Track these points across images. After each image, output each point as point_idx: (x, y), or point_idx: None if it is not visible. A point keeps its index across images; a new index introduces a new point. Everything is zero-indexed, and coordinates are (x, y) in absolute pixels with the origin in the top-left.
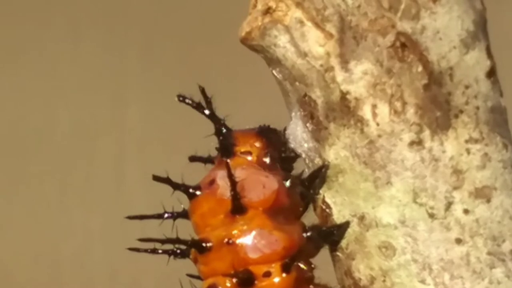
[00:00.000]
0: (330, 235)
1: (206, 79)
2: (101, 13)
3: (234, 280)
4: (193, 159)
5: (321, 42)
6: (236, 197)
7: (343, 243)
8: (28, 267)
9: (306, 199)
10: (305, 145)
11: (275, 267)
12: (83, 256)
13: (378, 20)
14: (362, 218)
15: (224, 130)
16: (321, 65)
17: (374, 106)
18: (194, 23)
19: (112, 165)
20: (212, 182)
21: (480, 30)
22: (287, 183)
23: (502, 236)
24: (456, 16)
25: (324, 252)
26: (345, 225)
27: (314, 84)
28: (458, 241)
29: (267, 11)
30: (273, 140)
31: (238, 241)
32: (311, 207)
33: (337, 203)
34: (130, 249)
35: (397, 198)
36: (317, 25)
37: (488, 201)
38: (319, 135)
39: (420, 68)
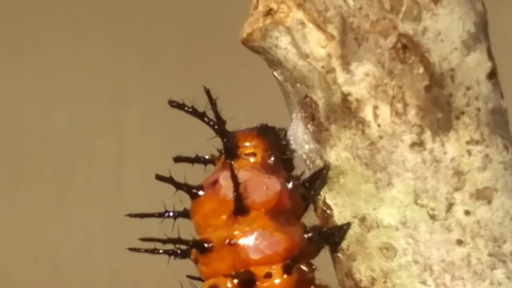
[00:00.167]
0: (331, 236)
1: (206, 80)
2: (101, 13)
3: (235, 281)
4: (178, 159)
5: (322, 43)
6: (238, 197)
7: (344, 244)
8: (28, 267)
9: (306, 200)
10: (306, 146)
11: (276, 269)
12: (83, 256)
13: (380, 21)
14: (363, 219)
15: (228, 132)
16: (323, 67)
17: (375, 108)
18: (194, 23)
19: (112, 165)
20: (215, 182)
21: (481, 32)
22: (289, 185)
23: (503, 237)
24: (458, 18)
25: (325, 253)
26: (346, 226)
27: (316, 85)
28: (459, 242)
29: (269, 12)
30: (273, 138)
31: (240, 241)
32: (311, 207)
33: (338, 204)
34: (130, 249)
35: (398, 199)
36: (319, 27)
37: (489, 202)
38: (320, 136)
39: (421, 70)
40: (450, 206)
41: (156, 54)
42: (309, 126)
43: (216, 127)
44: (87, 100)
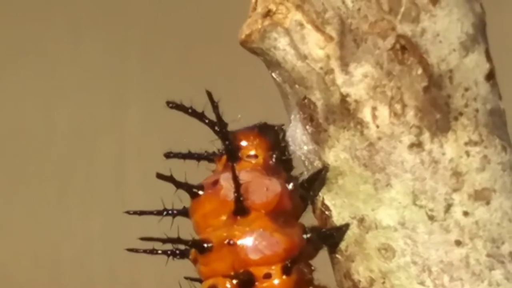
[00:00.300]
0: (330, 237)
1: (206, 80)
2: (101, 14)
3: (234, 281)
4: (168, 155)
5: (321, 44)
6: (239, 198)
7: (343, 245)
8: (28, 267)
9: (305, 201)
10: (305, 147)
11: (275, 269)
12: (83, 256)
13: (378, 22)
14: (361, 220)
15: (229, 135)
16: (321, 68)
17: (374, 109)
18: (194, 24)
19: (112, 165)
20: (216, 182)
21: (480, 33)
22: (290, 186)
23: (501, 238)
24: (456, 19)
25: (324, 254)
26: (345, 227)
27: (314, 86)
28: (458, 243)
29: (267, 13)
30: (273, 138)
31: (239, 242)
32: (310, 208)
33: (336, 205)
34: (129, 249)
35: (396, 200)
36: (317, 28)
37: (488, 203)
38: (318, 137)
39: (420, 71)
40: (448, 207)
41: (156, 54)
42: (307, 127)
43: (215, 128)
44: (87, 100)
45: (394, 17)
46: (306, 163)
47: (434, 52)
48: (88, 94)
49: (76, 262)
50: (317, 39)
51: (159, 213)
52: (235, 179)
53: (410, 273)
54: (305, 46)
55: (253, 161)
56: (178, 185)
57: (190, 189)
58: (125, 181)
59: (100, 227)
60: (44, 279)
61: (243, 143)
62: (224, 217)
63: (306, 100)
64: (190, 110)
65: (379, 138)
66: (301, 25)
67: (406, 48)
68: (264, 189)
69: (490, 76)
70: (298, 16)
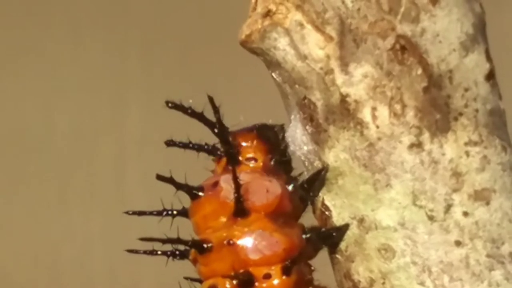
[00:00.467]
0: (329, 237)
1: (205, 81)
2: (101, 14)
3: (234, 281)
4: (169, 143)
5: (321, 44)
6: (239, 199)
7: (343, 245)
8: (27, 268)
9: (305, 202)
10: (305, 147)
11: (275, 270)
12: (83, 257)
13: (378, 23)
14: (361, 220)
15: (230, 140)
16: (321, 68)
17: (373, 109)
18: (194, 24)
19: (112, 166)
20: (216, 184)
21: (479, 33)
22: (290, 187)
23: (501, 238)
24: (456, 19)
25: (323, 254)
26: (345, 227)
27: (314, 86)
28: (458, 243)
29: (267, 13)
30: (272, 139)
31: (239, 242)
32: (310, 208)
33: (336, 205)
34: (129, 250)
35: (396, 200)
36: (317, 28)
37: (487, 203)
38: (318, 137)
39: (419, 71)
40: (448, 207)
41: (156, 55)
42: (307, 127)
43: (215, 129)
44: (87, 100)
45: (394, 17)
46: (306, 163)
47: (434, 52)
48: (88, 95)
49: (76, 263)
50: (317, 39)
51: (158, 213)
52: (235, 180)
53: (410, 273)
54: (305, 46)
55: (252, 164)
56: (178, 186)
57: (190, 191)
58: (125, 181)
59: (100, 227)
60: (44, 279)
61: (242, 144)
62: (224, 219)
63: (306, 100)
64: (189, 111)
65: (379, 139)
66: (301, 25)
67: (406, 48)
68: (264, 191)
69: (490, 76)
70: (298, 16)
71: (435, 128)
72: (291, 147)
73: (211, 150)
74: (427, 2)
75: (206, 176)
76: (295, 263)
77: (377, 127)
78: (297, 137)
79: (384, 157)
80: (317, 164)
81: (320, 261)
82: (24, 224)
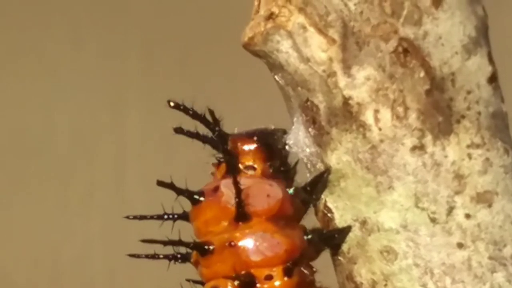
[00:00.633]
0: (331, 238)
1: (205, 82)
2: (101, 16)
3: (236, 282)
4: (178, 131)
5: (323, 47)
6: (240, 204)
7: (345, 247)
8: (28, 269)
9: (307, 205)
10: (307, 150)
11: (276, 271)
12: (83, 259)
13: (381, 25)
14: (364, 222)
15: (230, 149)
16: (324, 71)
17: (376, 111)
18: (194, 25)
19: (112, 167)
20: (216, 189)
21: (482, 36)
22: (291, 191)
23: (503, 240)
24: (458, 22)
25: (326, 256)
26: (347, 229)
27: (317, 89)
28: (460, 245)
29: (270, 16)
30: (272, 147)
31: (240, 243)
32: (312, 210)
33: (339, 207)
34: (131, 255)
35: (399, 202)
36: (320, 31)
37: (490, 206)
38: (321, 140)
39: (422, 74)
40: (450, 210)
41: (156, 55)
42: (310, 129)
43: (216, 130)
44: (87, 101)
45: (396, 20)
46: (309, 165)
47: (437, 55)
48: (88, 95)
49: (76, 264)
50: (319, 42)
51: (159, 217)
52: (236, 184)
53: (412, 275)
54: (307, 49)
55: (251, 172)
56: (179, 192)
57: (191, 196)
58: (125, 182)
59: (100, 228)
60: (44, 280)
61: (242, 149)
62: (225, 223)
63: (308, 103)
64: (191, 111)
65: (382, 141)
66: (303, 28)
67: (408, 51)
68: (265, 195)
69: (493, 79)
70: (300, 19)
71: (437, 131)
72: (294, 149)
73: (216, 144)
74: (429, 5)
75: (206, 176)
76: (297, 265)
77: (380, 129)
78: (300, 140)
79: (386, 160)
80: (320, 167)
81: (322, 263)
82: (24, 225)
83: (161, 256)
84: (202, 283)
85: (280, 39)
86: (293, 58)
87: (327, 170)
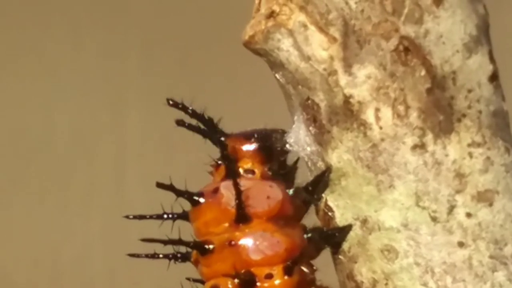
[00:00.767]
0: (332, 237)
1: (205, 83)
2: (101, 16)
3: (236, 281)
4: (179, 123)
5: (324, 46)
6: (240, 205)
7: (345, 246)
8: (28, 270)
9: (308, 205)
10: (308, 148)
11: (277, 270)
12: (83, 259)
13: (382, 24)
14: (364, 221)
15: (230, 154)
16: (325, 69)
17: (377, 110)
18: (194, 25)
19: (112, 167)
20: (216, 190)
21: (483, 35)
22: (291, 191)
23: (504, 239)
24: (459, 21)
25: (326, 254)
26: (347, 227)
27: (317, 87)
28: (461, 244)
29: (271, 15)
30: (271, 150)
31: (240, 242)
32: (312, 209)
33: (339, 206)
34: (131, 255)
35: (399, 201)
36: (321, 29)
37: (491, 204)
38: (322, 138)
39: (423, 72)
40: (451, 208)
41: (156, 55)
42: (311, 128)
43: (214, 138)
44: (87, 101)
45: (397, 18)
46: (309, 164)
47: (438, 54)
48: (88, 95)
49: (76, 264)
50: (320, 40)
51: (159, 217)
52: (236, 185)
53: (413, 274)
54: (308, 47)
55: (250, 176)
56: (179, 193)
57: (191, 197)
58: (125, 184)
59: (100, 227)
60: (44, 281)
61: (240, 152)
62: (226, 225)
63: (309, 101)
64: (190, 110)
65: (382, 140)
66: (304, 26)
67: (409, 50)
68: (265, 197)
69: (494, 78)
70: (301, 17)
71: (438, 129)
72: (294, 148)
73: (218, 132)
74: (430, 4)
75: (206, 175)
76: (297, 263)
77: (381, 128)
78: (300, 138)
79: (387, 158)
80: (320, 165)
81: (323, 262)
82: (24, 225)
83: (161, 256)
84: (203, 282)
85: (281, 38)
86: (294, 56)
87: (328, 170)
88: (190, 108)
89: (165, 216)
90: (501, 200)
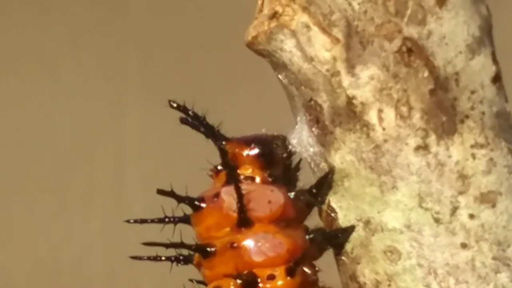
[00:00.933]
0: (335, 238)
1: (205, 83)
2: (101, 16)
3: (238, 281)
4: (183, 121)
5: (327, 46)
6: (242, 210)
7: (348, 247)
8: (27, 270)
9: (311, 207)
10: (311, 149)
11: (279, 271)
12: (82, 260)
13: (385, 25)
14: (367, 222)
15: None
16: (327, 70)
17: (380, 111)
18: (194, 26)
19: (112, 167)
20: (217, 195)
21: (486, 36)
22: (292, 194)
23: (507, 241)
24: (462, 22)
25: (329, 255)
26: (350, 228)
27: (320, 88)
28: (464, 245)
29: (274, 15)
30: (272, 155)
31: (242, 244)
32: (315, 210)
33: (342, 207)
34: (133, 257)
35: (402, 202)
36: (324, 30)
37: (493, 206)
38: (324, 139)
39: (426, 73)
40: (454, 210)
41: (156, 56)
42: (313, 129)
43: (214, 132)
44: (87, 101)
45: (400, 19)
46: (312, 165)
47: (440, 55)
48: (88, 95)
49: (76, 264)
50: (323, 41)
51: (160, 220)
52: (238, 189)
53: (415, 275)
54: (311, 48)
55: (251, 182)
56: (179, 199)
57: (192, 203)
58: (125, 186)
59: (100, 228)
60: (44, 282)
61: (241, 158)
62: (227, 229)
63: (312, 102)
64: (191, 113)
65: (385, 141)
66: (307, 27)
67: (412, 51)
68: (267, 201)
69: (496, 79)
70: (304, 18)
71: (441, 131)
72: (297, 149)
73: (218, 137)
74: (433, 5)
75: (206, 176)
76: (299, 264)
77: (384, 129)
78: (303, 139)
79: (390, 159)
80: (323, 166)
81: (326, 263)
82: (24, 226)
83: (163, 258)
84: (205, 284)
85: (284, 38)
86: (296, 57)
87: (331, 172)
88: (191, 110)
89: (167, 219)
90: (504, 201)
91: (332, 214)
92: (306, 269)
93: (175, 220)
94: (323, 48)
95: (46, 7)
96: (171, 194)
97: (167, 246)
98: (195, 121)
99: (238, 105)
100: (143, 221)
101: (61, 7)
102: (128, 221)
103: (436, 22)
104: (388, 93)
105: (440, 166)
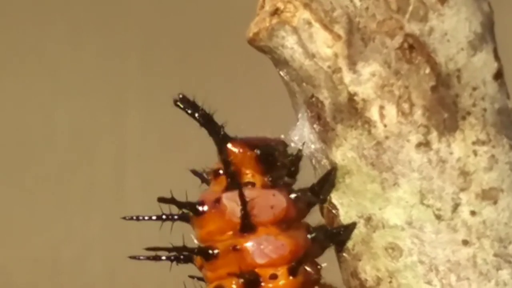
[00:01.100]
0: (336, 235)
1: (205, 83)
2: (101, 16)
3: (240, 281)
4: (180, 100)
5: (329, 43)
6: (246, 216)
7: (350, 244)
8: (27, 270)
9: (313, 206)
10: (312, 146)
11: (281, 271)
12: (82, 260)
13: (386, 21)
14: (369, 219)
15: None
16: (329, 66)
17: (381, 108)
18: (194, 25)
19: (112, 167)
20: (218, 201)
21: (488, 32)
22: (293, 196)
23: (508, 238)
24: (464, 18)
25: (330, 252)
26: (352, 225)
27: (322, 85)
28: (465, 242)
29: (275, 12)
30: (273, 160)
31: (245, 247)
32: (316, 207)
33: (344, 204)
34: (132, 257)
35: (404, 199)
36: (325, 27)
37: (495, 202)
38: (326, 136)
39: (427, 70)
40: (456, 207)
41: (156, 55)
42: (315, 125)
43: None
44: (87, 101)
45: (402, 16)
46: (313, 161)
47: (442, 51)
48: (88, 95)
49: (76, 264)
50: (325, 37)
51: (158, 218)
52: (242, 196)
53: (417, 272)
54: (313, 44)
55: (251, 187)
56: (180, 205)
57: (193, 208)
58: (125, 186)
59: (100, 228)
60: (44, 282)
61: (242, 163)
62: (230, 233)
63: (313, 99)
64: (197, 112)
65: (387, 137)
66: (309, 23)
67: (414, 47)
68: (270, 207)
69: (498, 75)
70: (306, 14)
71: (443, 127)
72: (298, 146)
73: (214, 131)
74: (435, 1)
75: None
76: (301, 264)
77: (385, 126)
78: (305, 136)
79: (391, 156)
80: (325, 163)
81: (327, 260)
82: (24, 225)
83: (163, 258)
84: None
85: (285, 35)
86: (298, 54)
87: (333, 170)
88: (200, 111)
89: (164, 217)
90: (506, 198)
91: (333, 211)
92: (308, 268)
93: (173, 218)
94: (324, 45)
95: (46, 7)
96: (171, 201)
97: (169, 250)
98: (202, 119)
99: (239, 104)
100: (140, 218)
101: (61, 7)
102: (125, 218)
103: (437, 18)
104: (390, 90)
105: (441, 163)
